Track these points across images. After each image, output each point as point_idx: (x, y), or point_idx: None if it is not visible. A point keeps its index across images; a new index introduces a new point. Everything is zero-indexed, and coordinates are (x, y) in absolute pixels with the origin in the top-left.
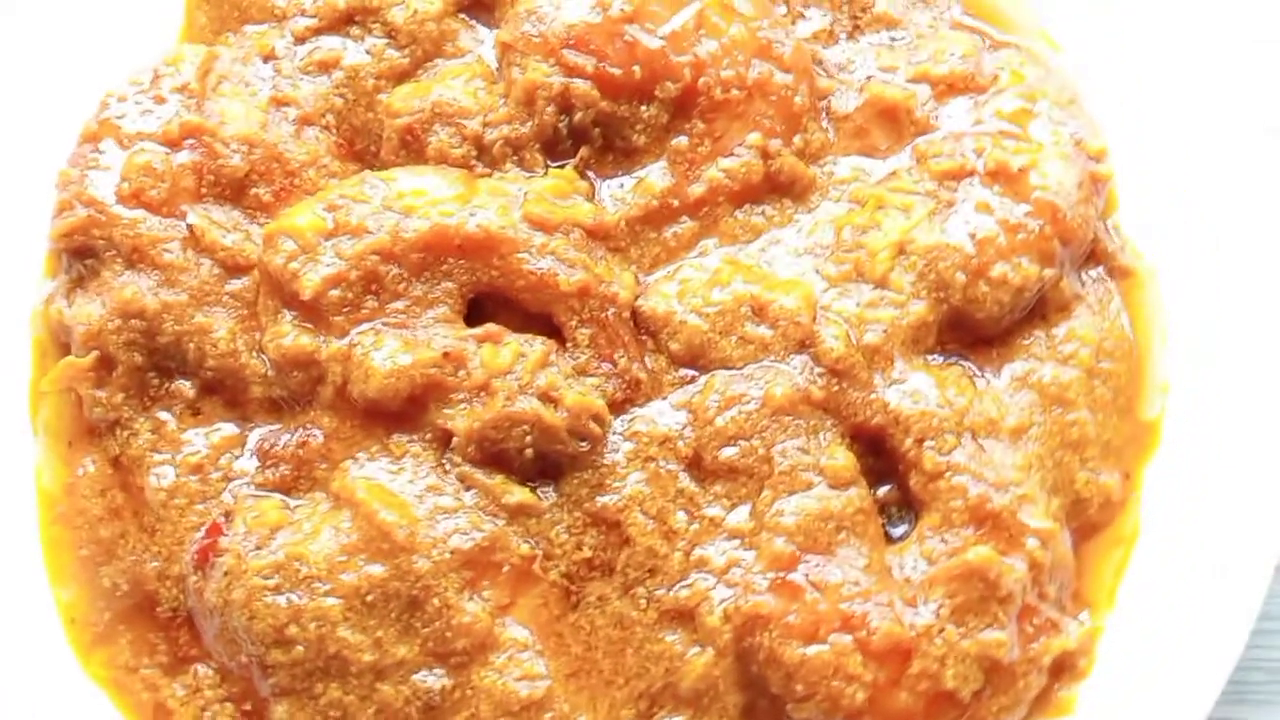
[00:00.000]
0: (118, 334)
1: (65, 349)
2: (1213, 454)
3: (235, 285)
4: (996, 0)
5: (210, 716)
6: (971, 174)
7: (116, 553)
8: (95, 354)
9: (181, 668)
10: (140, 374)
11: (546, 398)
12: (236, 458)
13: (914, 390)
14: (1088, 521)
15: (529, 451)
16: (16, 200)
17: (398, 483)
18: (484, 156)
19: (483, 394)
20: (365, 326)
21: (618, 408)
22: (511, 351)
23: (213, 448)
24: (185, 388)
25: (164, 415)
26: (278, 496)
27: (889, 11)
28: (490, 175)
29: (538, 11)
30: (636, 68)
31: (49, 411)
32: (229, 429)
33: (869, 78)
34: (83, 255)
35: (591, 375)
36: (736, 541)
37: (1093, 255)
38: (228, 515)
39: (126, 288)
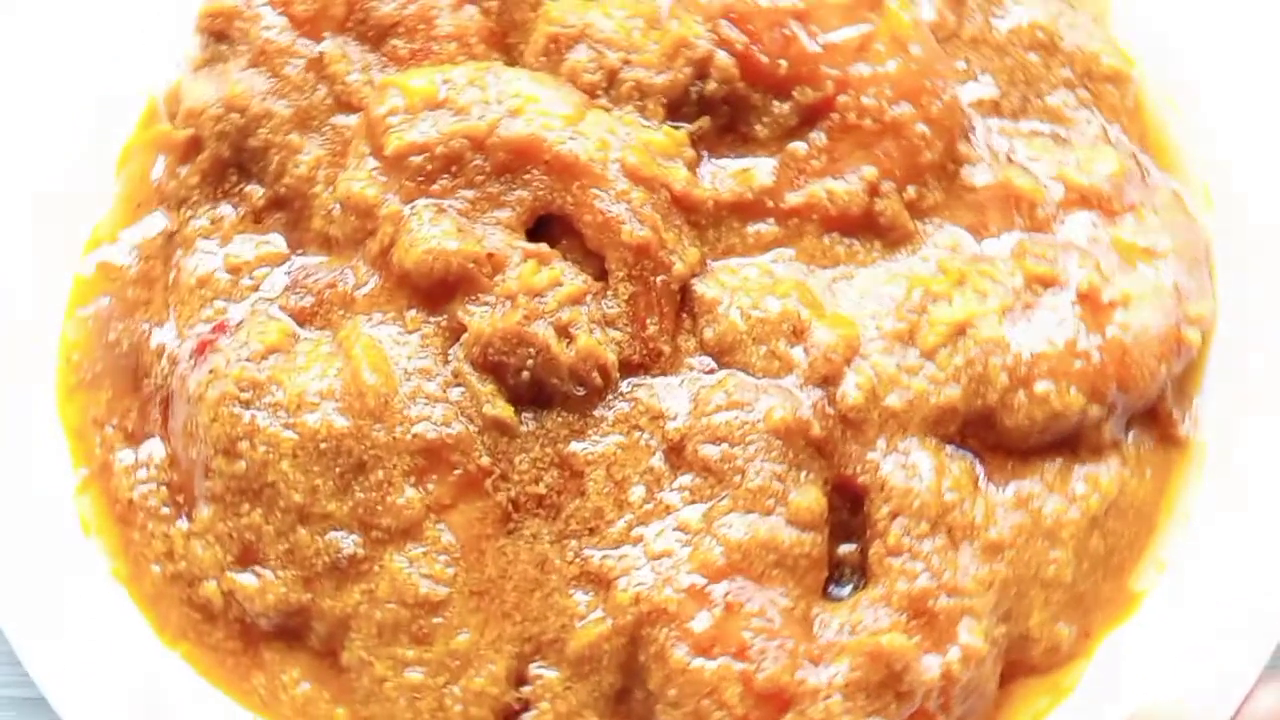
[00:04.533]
0: (215, 121)
1: (172, 118)
2: (1182, 649)
3: (340, 120)
4: (1174, 136)
5: (145, 491)
6: (1062, 286)
7: (134, 314)
8: (190, 132)
9: (140, 441)
10: (222, 166)
11: (564, 332)
12: (270, 274)
13: (912, 465)
14: (1027, 660)
15: (526, 374)
16: None
17: (396, 352)
18: (611, 91)
19: (508, 304)
20: (429, 201)
21: (631, 369)
22: (549, 276)
23: (257, 257)
24: (255, 194)
25: (226, 210)
26: (290, 323)
27: (1061, 108)
28: (609, 111)
29: None
30: (784, 62)
31: (133, 167)
32: (278, 245)
33: (1010, 160)
34: (219, 39)
35: (617, 329)
36: (680, 535)
37: (1152, 413)
38: (240, 322)
39: (239, 83)
